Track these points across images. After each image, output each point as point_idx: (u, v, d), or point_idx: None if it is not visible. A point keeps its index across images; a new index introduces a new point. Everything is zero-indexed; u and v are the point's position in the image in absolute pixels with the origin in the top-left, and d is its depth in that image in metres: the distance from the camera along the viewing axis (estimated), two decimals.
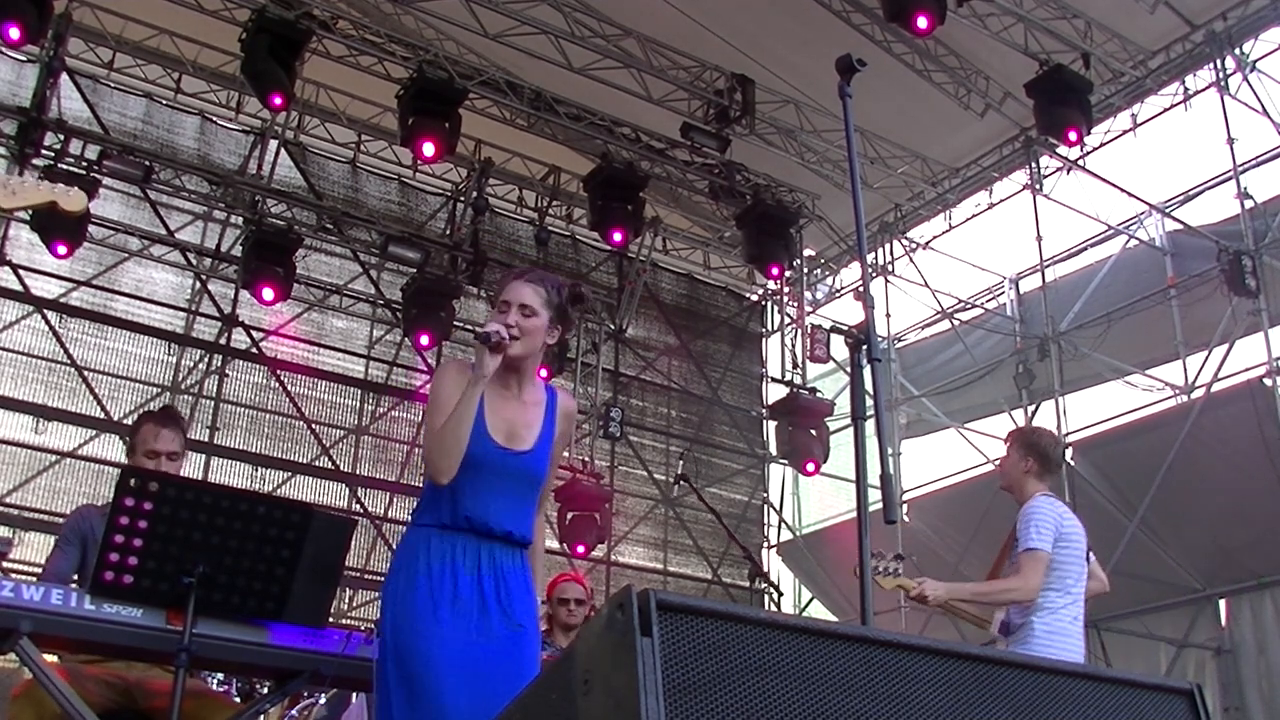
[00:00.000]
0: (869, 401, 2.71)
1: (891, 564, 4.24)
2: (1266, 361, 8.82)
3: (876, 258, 12.10)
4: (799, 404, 10.99)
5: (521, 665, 2.73)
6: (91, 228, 9.01)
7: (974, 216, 11.86)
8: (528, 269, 3.30)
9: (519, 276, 2.99)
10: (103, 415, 9.58)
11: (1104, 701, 1.95)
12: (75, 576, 3.49)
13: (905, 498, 11.62)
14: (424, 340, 10.35)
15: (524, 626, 2.78)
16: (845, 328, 2.87)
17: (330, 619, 3.28)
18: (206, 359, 10.30)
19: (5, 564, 4.00)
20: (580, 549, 10.20)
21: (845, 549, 10.66)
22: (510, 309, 2.90)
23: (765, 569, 11.69)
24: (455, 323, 10.50)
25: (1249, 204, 9.31)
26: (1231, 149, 9.32)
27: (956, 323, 11.99)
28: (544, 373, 10.60)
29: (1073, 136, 8.80)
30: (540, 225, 11.59)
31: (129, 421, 9.65)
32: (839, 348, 10.73)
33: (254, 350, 10.53)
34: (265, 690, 3.94)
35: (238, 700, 4.28)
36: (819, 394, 11.24)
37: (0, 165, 9.50)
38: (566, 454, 11.13)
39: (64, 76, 9.28)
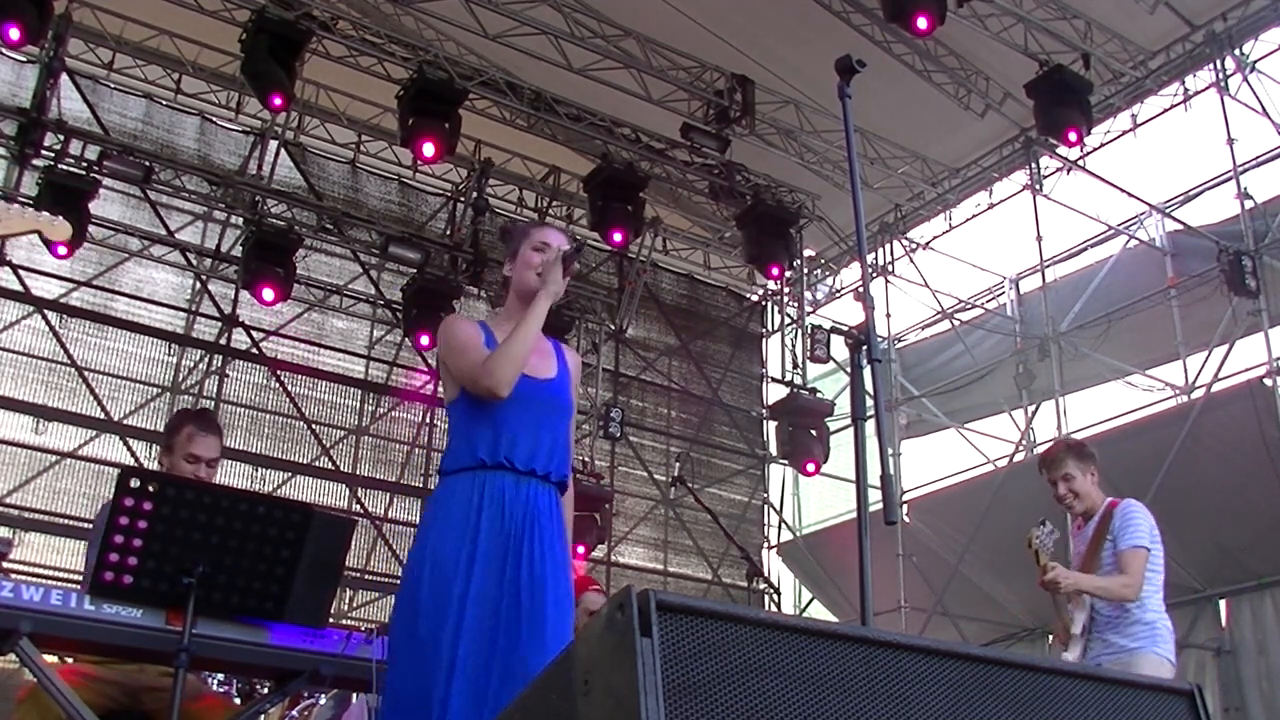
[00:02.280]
0: (869, 402, 2.71)
1: (1049, 537, 4.27)
2: (1266, 361, 8.82)
3: (876, 258, 12.10)
4: (799, 404, 11.00)
5: (545, 626, 2.67)
6: (91, 228, 9.01)
7: (974, 217, 11.87)
8: (546, 222, 3.41)
9: (545, 225, 3.10)
10: (103, 415, 9.58)
11: (1104, 702, 1.95)
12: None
13: (905, 498, 11.62)
14: (424, 340, 10.35)
15: (549, 580, 2.75)
16: (845, 328, 2.87)
17: (330, 619, 3.28)
18: (207, 359, 10.30)
19: (5, 564, 3.99)
20: (580, 549, 10.20)
21: (845, 549, 10.67)
22: (549, 250, 2.98)
23: (765, 569, 11.70)
24: None
25: (1249, 204, 9.31)
26: (1231, 149, 9.32)
27: (956, 323, 11.99)
28: None
29: (1073, 137, 8.80)
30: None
31: (129, 422, 9.69)
32: (839, 348, 10.76)
33: (254, 350, 10.53)
34: (265, 690, 3.94)
35: (238, 700, 4.28)
36: (819, 394, 11.25)
37: (0, 165, 9.51)
38: None
39: (64, 77, 9.28)
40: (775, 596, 11.18)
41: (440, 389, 2.98)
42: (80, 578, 3.54)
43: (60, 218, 2.84)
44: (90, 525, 8.74)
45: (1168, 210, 10.35)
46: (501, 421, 2.81)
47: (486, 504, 2.75)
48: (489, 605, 2.66)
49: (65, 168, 8.61)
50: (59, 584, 3.57)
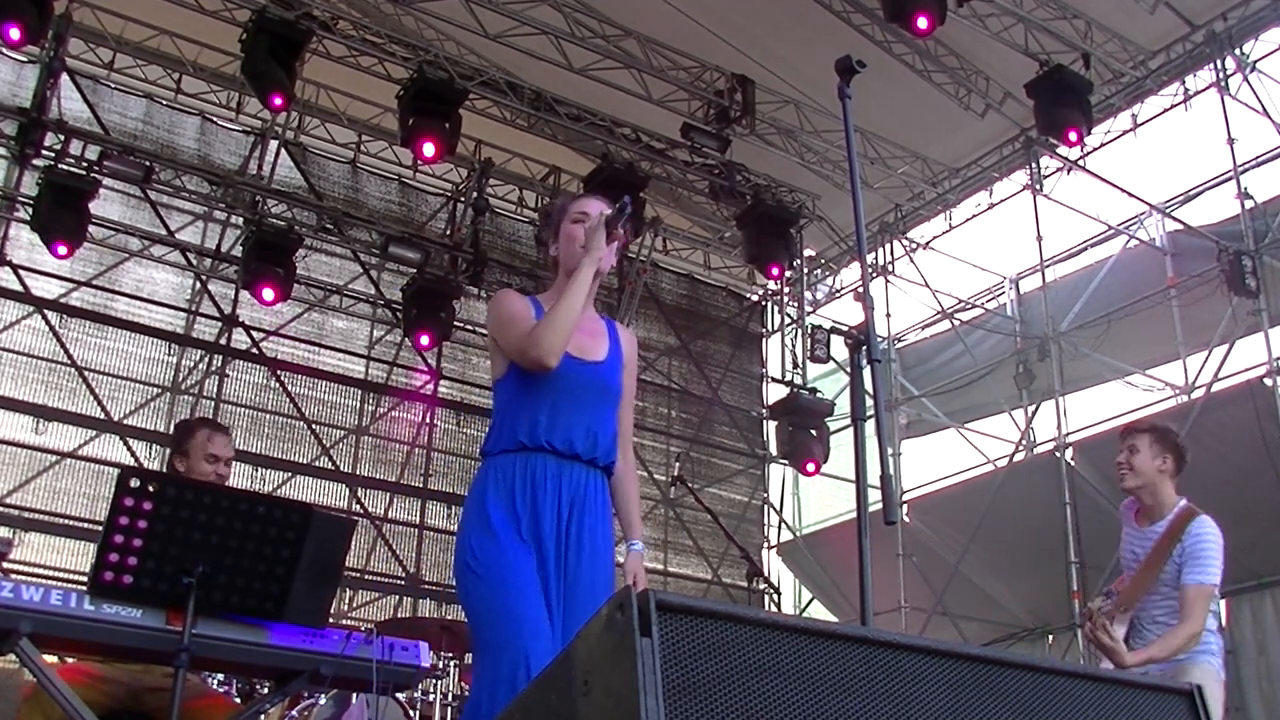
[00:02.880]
0: (869, 402, 2.71)
1: (1107, 604, 3.97)
2: (1266, 361, 8.82)
3: (876, 258, 12.10)
4: (799, 404, 11.00)
5: (577, 613, 2.69)
6: (92, 228, 9.01)
7: (974, 216, 11.87)
8: (585, 192, 3.35)
9: (584, 196, 3.09)
10: (103, 415, 9.58)
11: (1104, 702, 1.95)
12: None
13: (905, 498, 11.63)
14: (424, 340, 10.35)
15: (598, 560, 2.78)
16: (845, 328, 2.87)
17: (330, 619, 3.28)
18: (207, 359, 10.30)
19: (5, 564, 3.99)
20: None
21: (845, 549, 10.67)
22: (590, 219, 2.92)
23: (765, 569, 11.70)
24: (455, 323, 10.50)
25: (1249, 204, 9.31)
26: (1231, 149, 9.32)
27: (956, 323, 11.99)
28: None
29: (1073, 137, 8.80)
30: (541, 225, 11.59)
31: (129, 422, 9.68)
32: (839, 348, 10.76)
33: (254, 350, 10.52)
34: (265, 690, 3.94)
35: (238, 700, 4.27)
36: (819, 394, 11.25)
37: (1, 165, 9.51)
38: None
39: (64, 77, 9.28)
40: (775, 596, 11.17)
41: (489, 368, 2.96)
42: (81, 577, 3.53)
43: None
44: (90, 525, 8.74)
45: (1168, 210, 10.35)
46: (545, 403, 2.78)
47: (527, 486, 2.74)
48: (538, 582, 2.68)
49: (65, 168, 8.61)
50: (59, 584, 3.56)
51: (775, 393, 12.17)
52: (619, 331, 3.04)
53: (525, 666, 2.49)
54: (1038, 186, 10.84)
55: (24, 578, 3.34)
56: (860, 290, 2.81)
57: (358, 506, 10.56)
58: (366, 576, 10.33)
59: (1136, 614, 3.96)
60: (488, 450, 2.85)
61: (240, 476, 9.96)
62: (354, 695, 5.10)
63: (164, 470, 3.88)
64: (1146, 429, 4.09)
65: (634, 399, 3.04)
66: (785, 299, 12.91)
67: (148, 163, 9.11)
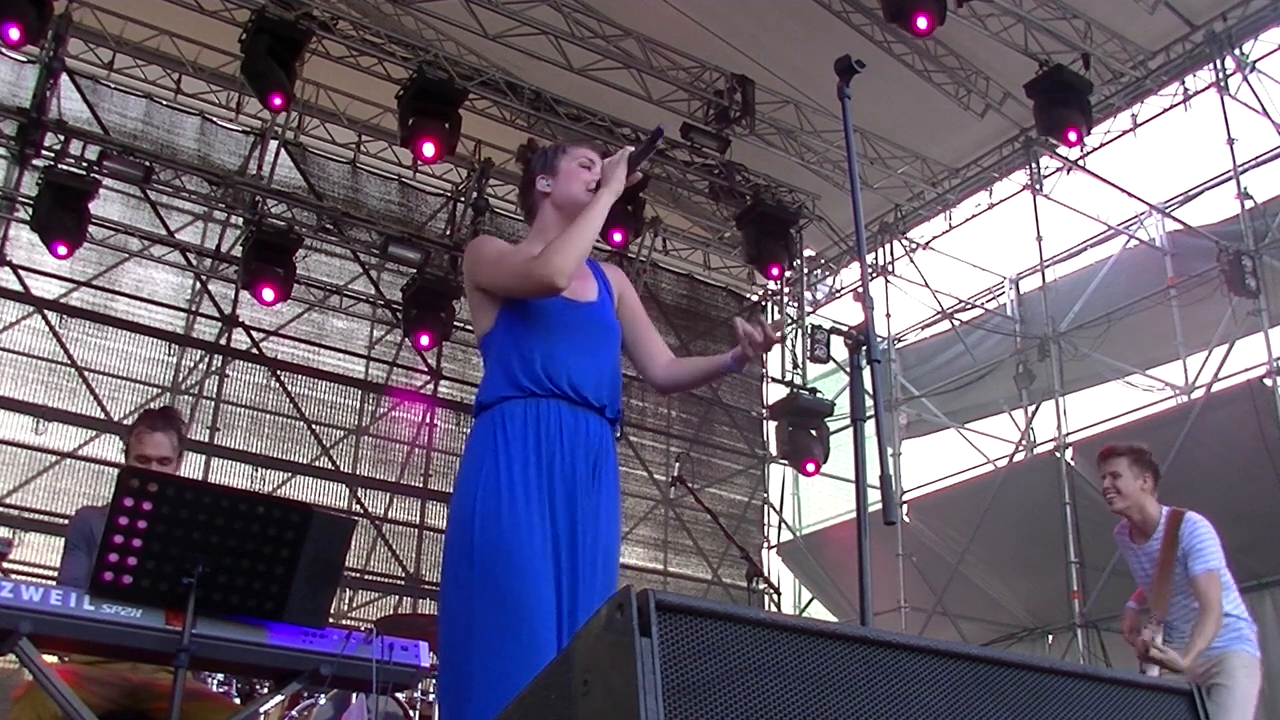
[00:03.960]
0: (869, 402, 2.71)
1: (1157, 632, 4.25)
2: (1266, 361, 8.82)
3: (876, 258, 12.10)
4: (799, 404, 11.00)
5: (595, 584, 2.46)
6: (91, 228, 9.01)
7: (974, 216, 11.87)
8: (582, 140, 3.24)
9: (585, 144, 2.90)
10: (103, 416, 9.58)
11: (1104, 702, 1.95)
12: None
13: (905, 498, 11.63)
14: (424, 341, 10.35)
15: (613, 534, 2.56)
16: (845, 328, 2.87)
17: (330, 619, 3.27)
18: (207, 359, 10.30)
19: (5, 564, 3.99)
20: None
21: (845, 549, 10.67)
22: (595, 166, 2.79)
23: (765, 569, 11.70)
24: (455, 323, 10.50)
25: (1249, 204, 9.31)
26: (1231, 149, 9.32)
27: (956, 323, 11.99)
28: None
29: (1073, 137, 8.80)
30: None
31: (129, 422, 9.67)
32: (839, 348, 10.75)
33: (254, 351, 10.53)
34: (265, 690, 3.94)
35: (238, 700, 4.27)
36: (819, 394, 11.25)
37: (1, 165, 9.51)
38: None
39: (64, 77, 9.28)
40: (775, 596, 11.17)
41: (476, 325, 2.69)
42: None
43: None
44: None
45: (1168, 210, 10.35)
46: (543, 346, 2.54)
47: (543, 437, 2.47)
48: (550, 556, 2.42)
49: (65, 168, 8.61)
50: (59, 584, 3.56)
51: (775, 393, 12.17)
52: (602, 269, 2.88)
53: (530, 667, 2.15)
54: (1037, 186, 10.84)
55: (24, 578, 3.34)
56: (860, 290, 2.81)
57: (358, 506, 10.56)
58: (366, 576, 10.33)
59: (1166, 620, 4.30)
60: (486, 400, 2.56)
61: (240, 476, 9.97)
62: (354, 695, 5.10)
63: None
64: (1123, 452, 4.40)
65: (650, 322, 2.85)
66: (785, 299, 12.91)
67: (148, 163, 9.11)
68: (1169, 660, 4.00)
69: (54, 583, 3.38)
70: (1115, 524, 4.62)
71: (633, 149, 2.82)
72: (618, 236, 9.87)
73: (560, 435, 2.50)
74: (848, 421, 3.09)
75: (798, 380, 11.62)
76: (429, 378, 11.32)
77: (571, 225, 2.61)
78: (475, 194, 10.67)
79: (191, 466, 9.65)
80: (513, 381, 2.53)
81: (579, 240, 2.57)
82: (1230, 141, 9.31)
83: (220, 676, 4.33)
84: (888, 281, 12.17)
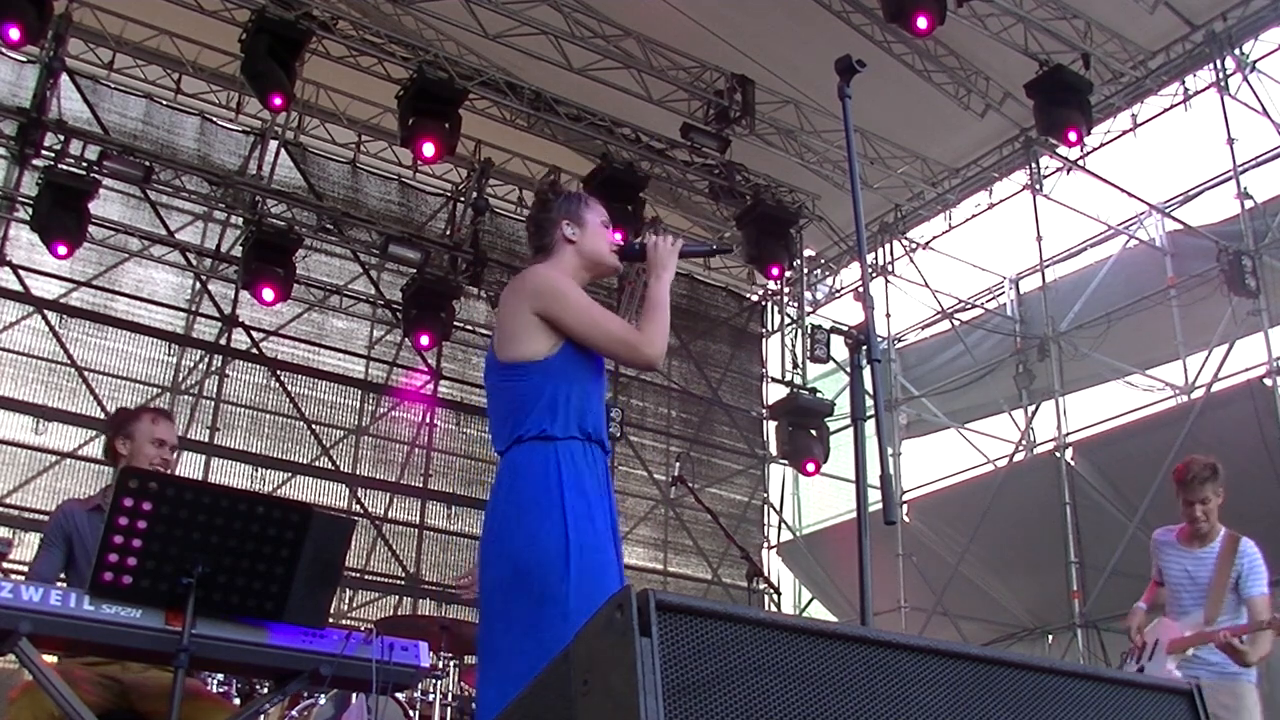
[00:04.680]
0: (869, 402, 2.71)
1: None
2: (1266, 361, 8.82)
3: (876, 258, 12.10)
4: (799, 404, 10.99)
5: None
6: (91, 228, 9.00)
7: (974, 216, 11.87)
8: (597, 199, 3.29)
9: (598, 203, 3.15)
10: (103, 416, 9.57)
11: (1104, 701, 1.95)
12: (62, 578, 3.48)
13: (905, 498, 11.63)
14: (424, 340, 10.35)
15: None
16: (845, 328, 2.87)
17: (330, 619, 3.27)
18: (206, 359, 10.30)
19: (5, 564, 3.99)
20: None
21: (845, 549, 10.67)
22: (610, 229, 3.04)
23: (765, 569, 11.70)
24: (455, 323, 10.50)
25: (1249, 204, 9.31)
26: (1231, 149, 9.32)
27: (956, 323, 11.99)
28: None
29: (1073, 136, 8.79)
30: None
31: None
32: (839, 348, 10.75)
33: (254, 350, 10.53)
34: (265, 690, 3.94)
35: (238, 700, 4.28)
36: (819, 394, 11.25)
37: (1, 165, 9.51)
38: None
39: (64, 77, 9.28)
40: (775, 596, 11.17)
41: (516, 345, 2.75)
42: (63, 580, 3.52)
43: None
44: None
45: (1168, 210, 10.35)
46: (589, 392, 2.77)
47: (596, 484, 2.69)
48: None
49: (65, 168, 8.60)
50: (58, 584, 3.57)
51: (775, 393, 12.17)
52: None
53: None
54: (1037, 186, 10.84)
55: (24, 578, 3.34)
56: (860, 290, 2.81)
57: (358, 506, 10.56)
58: (366, 576, 10.33)
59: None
60: (551, 433, 2.67)
61: (240, 476, 9.97)
62: (353, 695, 5.10)
63: (104, 453, 3.81)
64: (1209, 476, 4.42)
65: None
66: (785, 299, 12.91)
67: (147, 163, 9.10)
68: (1242, 652, 4.20)
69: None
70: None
71: (686, 242, 3.03)
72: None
73: (608, 482, 2.77)
74: (848, 421, 3.09)
75: (798, 380, 11.62)
76: (429, 378, 11.32)
77: (659, 314, 2.90)
78: (475, 194, 10.67)
79: (191, 466, 9.65)
80: (565, 425, 2.70)
81: (667, 327, 2.92)
82: (1230, 141, 9.31)
83: (220, 676, 4.33)
84: (888, 281, 12.17)
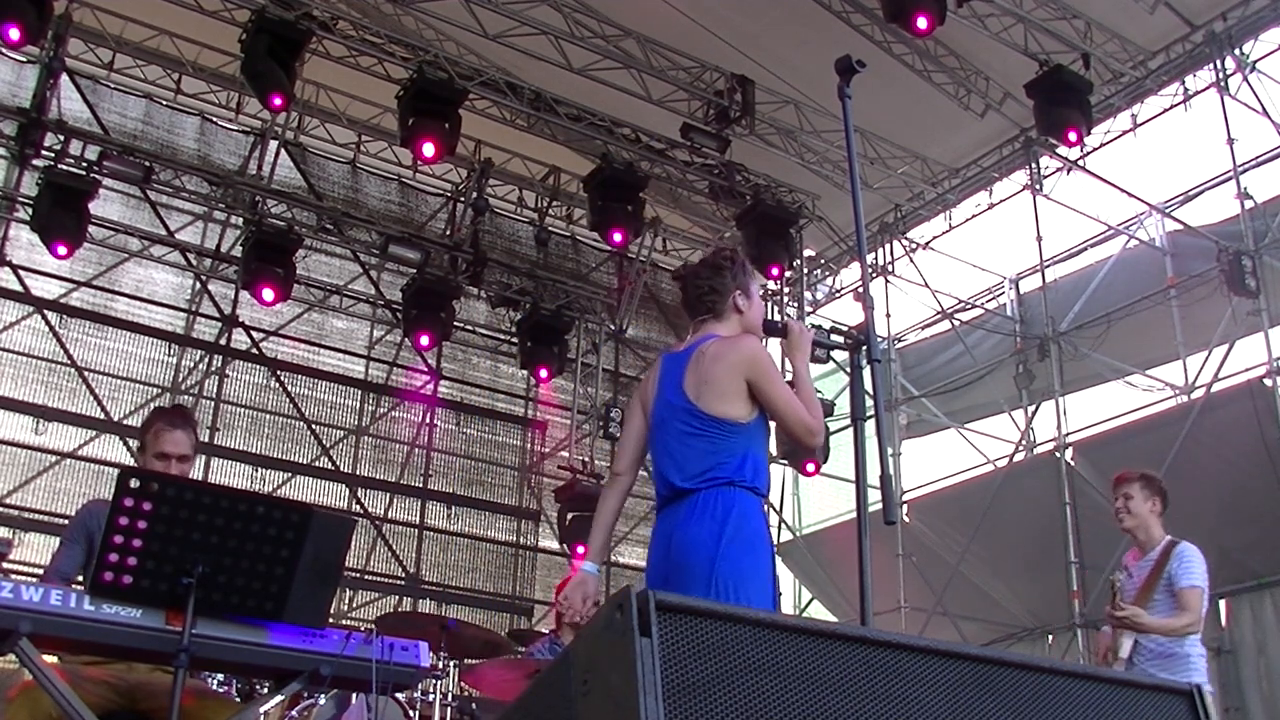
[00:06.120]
0: (869, 402, 2.71)
1: (1128, 581, 4.68)
2: (1266, 361, 8.81)
3: (876, 258, 12.10)
4: None
5: None
6: (91, 228, 9.01)
7: (974, 217, 11.86)
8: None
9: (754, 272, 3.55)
10: (103, 416, 9.58)
11: (1104, 701, 1.95)
12: (81, 576, 3.48)
13: (905, 498, 11.62)
14: (424, 340, 10.35)
15: None
16: (845, 328, 2.88)
17: (330, 619, 3.27)
18: (207, 359, 10.30)
19: (5, 565, 3.98)
20: (581, 549, 10.20)
21: (845, 549, 10.67)
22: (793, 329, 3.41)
23: None
24: (455, 323, 10.50)
25: (1249, 204, 9.31)
26: (1231, 149, 9.32)
27: (956, 323, 11.99)
28: (544, 372, 10.66)
29: (1073, 137, 8.79)
30: (540, 225, 11.59)
31: (129, 422, 9.68)
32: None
33: (254, 351, 10.53)
34: (265, 690, 3.94)
35: (238, 700, 4.27)
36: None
37: (1, 165, 9.51)
38: (566, 454, 11.15)
39: (64, 77, 9.29)
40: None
41: (719, 404, 3.24)
42: (81, 578, 3.52)
43: None
44: None
45: (1168, 210, 10.35)
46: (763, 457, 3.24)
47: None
48: None
49: (65, 168, 8.61)
50: (46, 574, 3.57)
51: None
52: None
53: None
54: (1037, 186, 10.84)
55: (24, 578, 3.33)
56: (860, 290, 2.82)
57: (358, 506, 10.57)
58: (366, 576, 10.33)
59: (1139, 639, 4.59)
60: (759, 488, 3.17)
61: (240, 476, 9.97)
62: (354, 695, 5.10)
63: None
64: (1136, 478, 4.82)
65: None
66: (785, 299, 12.90)
67: (147, 163, 9.11)
68: (1131, 614, 4.44)
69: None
70: (1116, 524, 4.86)
71: (815, 333, 3.35)
72: (617, 236, 9.86)
73: None
74: (848, 421, 3.11)
75: None
76: (429, 378, 11.32)
77: (814, 397, 3.27)
78: (475, 194, 10.67)
79: (194, 467, 9.64)
80: (755, 479, 3.17)
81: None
82: (1230, 141, 9.30)
83: (220, 676, 4.33)
84: (888, 281, 12.17)
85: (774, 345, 3.73)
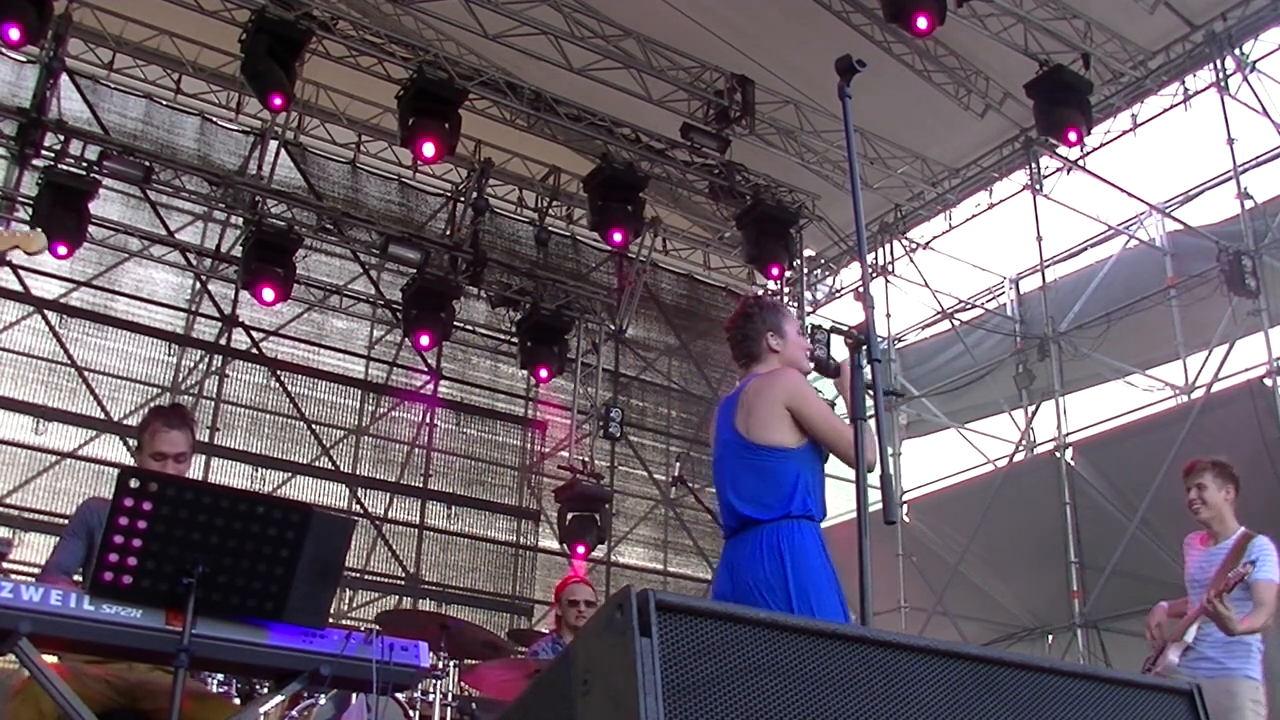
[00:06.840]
0: (869, 401, 2.71)
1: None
2: (1266, 361, 8.82)
3: (876, 258, 12.10)
4: None
5: None
6: (91, 228, 9.01)
7: (974, 217, 11.86)
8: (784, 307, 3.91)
9: (790, 313, 3.72)
10: (103, 416, 9.58)
11: (1104, 701, 1.95)
12: (80, 571, 3.48)
13: (905, 498, 11.63)
14: (424, 340, 10.35)
15: None
16: (845, 328, 2.88)
17: (330, 619, 3.27)
18: (207, 359, 10.30)
19: (5, 564, 3.98)
20: (580, 549, 10.21)
21: (845, 549, 10.66)
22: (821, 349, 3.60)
23: None
24: (455, 323, 10.50)
25: (1249, 204, 9.31)
26: (1231, 149, 9.32)
27: (956, 323, 11.99)
28: (544, 372, 10.66)
29: (1073, 137, 8.79)
30: (540, 225, 11.59)
31: (129, 422, 9.68)
32: (839, 348, 10.74)
33: (254, 350, 10.53)
34: (265, 690, 3.93)
35: (238, 700, 4.27)
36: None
37: (1, 165, 9.51)
38: (566, 454, 11.15)
39: (64, 77, 9.28)
40: None
41: (767, 432, 3.48)
42: (80, 577, 3.52)
43: (38, 229, 2.82)
44: None
45: (1168, 210, 10.35)
46: (822, 480, 3.39)
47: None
48: None
49: (65, 168, 8.61)
50: (45, 569, 3.57)
51: None
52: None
53: None
54: (1037, 186, 10.84)
55: (24, 578, 3.34)
56: (860, 290, 2.82)
57: (358, 506, 10.56)
58: (366, 576, 10.33)
59: (1201, 624, 4.53)
60: (814, 514, 3.33)
61: (240, 476, 9.97)
62: (354, 695, 5.10)
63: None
64: (1209, 466, 4.72)
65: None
66: (785, 299, 12.90)
67: (147, 163, 9.11)
68: (1226, 615, 4.25)
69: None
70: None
71: (815, 330, 3.57)
72: (618, 236, 9.87)
73: None
74: (847, 421, 3.11)
75: None
76: (429, 378, 11.32)
77: (871, 438, 3.17)
78: (475, 194, 10.66)
79: (191, 467, 9.63)
80: (817, 505, 3.34)
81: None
82: (1230, 141, 9.31)
83: (220, 676, 4.33)
84: (888, 281, 12.17)
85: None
